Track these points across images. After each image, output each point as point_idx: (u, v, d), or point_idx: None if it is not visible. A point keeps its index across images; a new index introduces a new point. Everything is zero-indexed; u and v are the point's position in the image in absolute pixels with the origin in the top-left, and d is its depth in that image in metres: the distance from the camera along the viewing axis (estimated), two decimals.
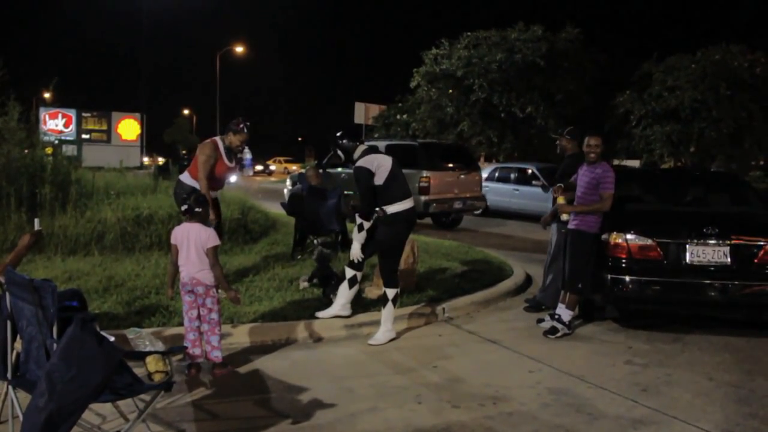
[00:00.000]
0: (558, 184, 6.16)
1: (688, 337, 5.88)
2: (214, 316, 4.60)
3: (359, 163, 5.45)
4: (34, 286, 2.75)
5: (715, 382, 4.76)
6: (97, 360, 2.65)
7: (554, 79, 23.80)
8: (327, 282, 6.55)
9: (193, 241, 4.55)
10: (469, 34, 25.05)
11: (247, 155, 6.64)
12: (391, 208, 5.44)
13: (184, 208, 4.63)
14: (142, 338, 3.68)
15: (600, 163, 5.87)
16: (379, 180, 5.43)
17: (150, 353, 3.17)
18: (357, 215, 5.63)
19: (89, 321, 2.73)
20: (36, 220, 4.19)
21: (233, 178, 24.39)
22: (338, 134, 5.72)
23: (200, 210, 4.63)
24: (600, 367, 5.06)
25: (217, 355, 4.60)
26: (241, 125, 6.30)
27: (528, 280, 8.23)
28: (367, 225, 5.60)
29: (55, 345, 2.70)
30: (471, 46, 24.58)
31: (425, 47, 25.85)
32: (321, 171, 11.50)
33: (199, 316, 4.62)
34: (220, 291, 4.71)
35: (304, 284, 6.75)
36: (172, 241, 4.68)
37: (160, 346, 3.60)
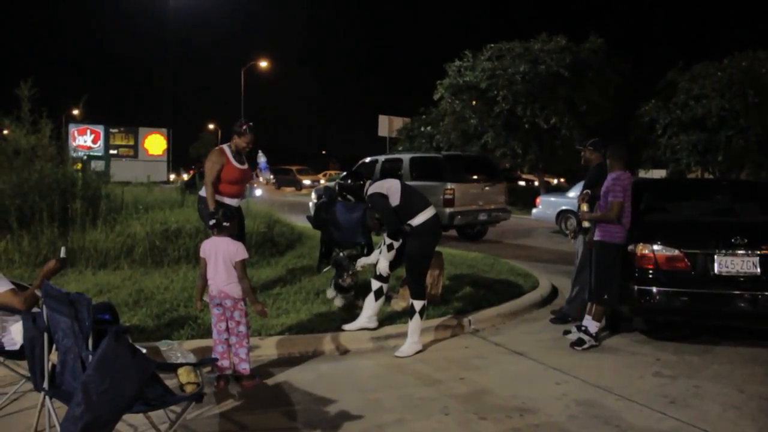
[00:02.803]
0: (585, 191, 6.13)
1: (716, 349, 5.82)
2: (242, 328, 4.65)
3: (370, 191, 5.62)
4: (70, 300, 2.83)
5: (746, 394, 4.70)
6: (131, 371, 2.72)
7: (578, 90, 23.67)
8: (340, 288, 6.62)
9: (221, 254, 4.61)
10: (492, 45, 25.04)
11: (261, 158, 6.59)
12: (416, 221, 5.48)
13: (212, 223, 4.69)
14: (174, 350, 3.75)
15: (616, 171, 5.86)
16: (394, 200, 5.53)
17: (182, 365, 3.23)
18: (384, 235, 5.72)
19: (123, 333, 2.80)
20: (62, 249, 4.27)
21: (258, 192, 24.23)
22: (344, 176, 5.93)
23: (228, 224, 4.69)
24: (628, 378, 5.02)
25: (245, 368, 4.64)
26: (245, 126, 6.30)
27: (554, 292, 8.19)
28: (397, 244, 5.69)
29: (90, 357, 2.77)
30: (494, 58, 24.57)
31: (449, 59, 25.89)
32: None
33: (227, 329, 4.67)
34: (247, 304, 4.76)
35: (331, 293, 6.77)
36: (201, 254, 4.74)
37: (191, 358, 3.67)
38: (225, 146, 6.40)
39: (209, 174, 6.21)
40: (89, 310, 2.77)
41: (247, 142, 6.33)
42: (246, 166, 6.47)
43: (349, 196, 5.88)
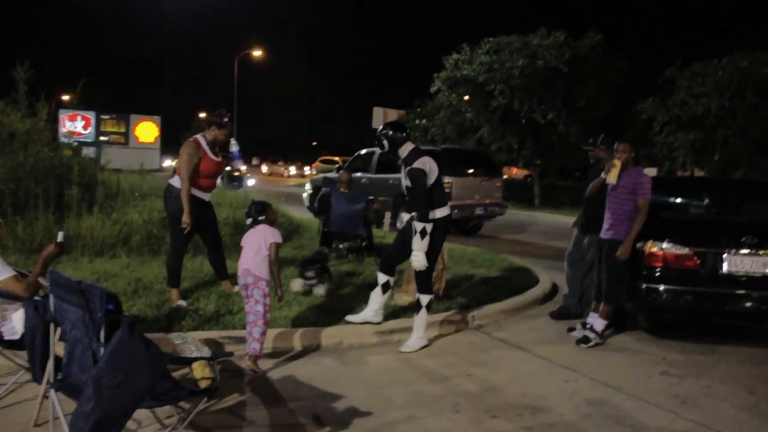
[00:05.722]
0: (612, 161, 5.89)
1: (722, 348, 5.77)
2: (260, 308, 4.70)
3: (416, 165, 5.29)
4: (81, 289, 2.72)
5: (757, 396, 4.65)
6: (145, 365, 2.61)
7: (576, 86, 23.63)
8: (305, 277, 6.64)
9: (256, 237, 4.83)
10: (490, 39, 24.94)
11: (234, 147, 6.36)
12: (436, 213, 5.37)
13: (248, 221, 4.93)
14: (189, 344, 3.64)
15: (635, 168, 5.78)
16: (428, 183, 5.34)
17: (196, 359, 3.13)
18: (415, 222, 5.32)
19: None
20: (60, 233, 4.12)
21: (251, 182, 24.27)
22: (390, 124, 5.62)
23: (263, 217, 4.89)
24: (636, 377, 4.96)
25: (255, 348, 4.65)
26: (226, 119, 6.06)
27: (554, 288, 8.13)
28: (429, 229, 5.32)
29: (102, 349, 2.66)
30: (492, 52, 24.48)
31: (446, 52, 25.77)
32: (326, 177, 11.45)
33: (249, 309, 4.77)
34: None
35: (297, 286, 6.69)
36: (242, 243, 4.97)
37: (206, 352, 3.57)
38: (200, 137, 6.09)
39: (186, 167, 5.87)
40: (102, 300, 2.66)
41: (226, 134, 6.10)
42: (221, 159, 6.23)
43: (385, 142, 5.49)
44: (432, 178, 5.36)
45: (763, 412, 4.34)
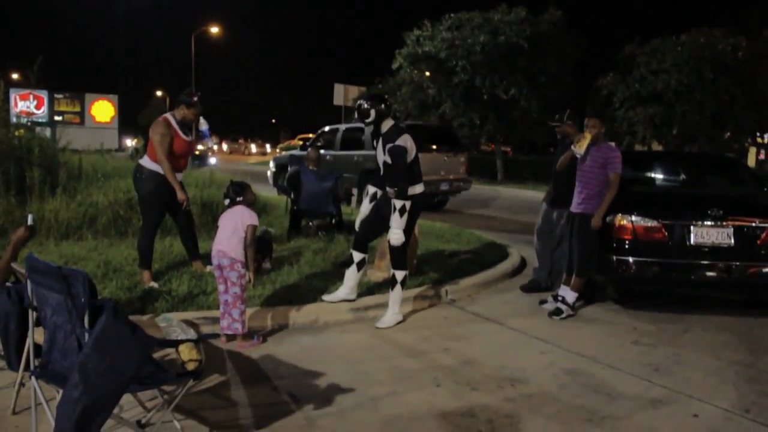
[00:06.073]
0: (582, 133, 5.96)
1: (689, 317, 5.93)
2: (237, 290, 4.75)
3: (399, 143, 5.26)
4: (63, 275, 2.65)
5: (723, 361, 4.80)
6: (132, 349, 2.58)
7: (537, 62, 23.77)
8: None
9: (233, 218, 4.83)
10: (452, 15, 24.87)
11: (203, 126, 6.21)
12: (412, 190, 5.37)
13: (226, 202, 4.91)
14: (174, 326, 3.60)
15: (606, 143, 5.86)
16: (408, 160, 5.33)
17: (183, 341, 3.09)
18: (395, 200, 5.32)
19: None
20: (29, 216, 4.00)
21: (213, 160, 23.98)
22: (376, 97, 5.55)
23: (241, 198, 4.88)
24: (609, 347, 5.08)
25: (236, 328, 4.76)
26: (195, 98, 5.96)
27: (523, 262, 8.24)
28: (408, 206, 5.34)
29: (86, 335, 2.61)
30: (454, 28, 24.41)
31: (407, 28, 25.64)
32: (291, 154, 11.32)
33: (226, 290, 4.79)
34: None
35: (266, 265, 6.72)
36: (219, 223, 4.97)
37: (192, 334, 3.53)
38: (169, 116, 5.99)
39: (161, 148, 5.77)
40: (85, 285, 2.60)
41: (195, 113, 5.99)
42: (191, 138, 6.15)
43: (373, 113, 5.37)
44: (411, 155, 5.36)
45: (731, 377, 4.48)
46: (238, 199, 4.88)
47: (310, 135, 48.80)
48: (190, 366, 3.06)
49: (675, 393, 4.16)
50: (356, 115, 5.58)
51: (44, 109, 43.11)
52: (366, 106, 5.42)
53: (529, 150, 29.23)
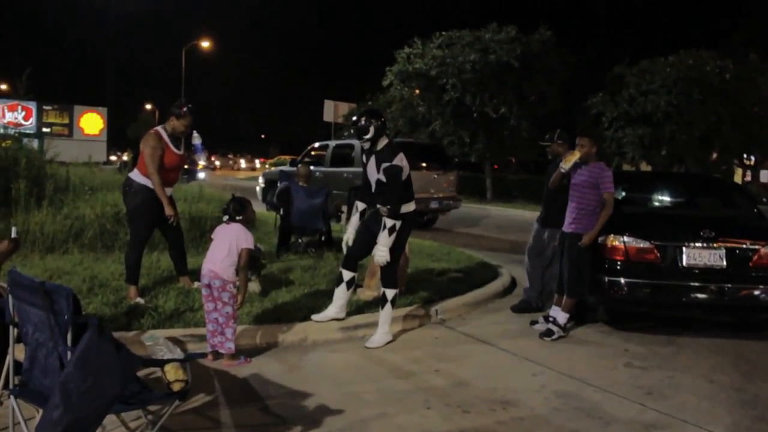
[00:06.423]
0: (572, 150, 5.97)
1: (680, 340, 5.90)
2: (229, 309, 4.68)
3: (396, 162, 5.22)
4: (45, 290, 2.57)
5: (717, 385, 4.76)
6: (115, 369, 2.49)
7: (527, 80, 23.90)
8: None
9: (228, 237, 4.70)
10: (442, 33, 25.01)
11: (196, 140, 6.16)
12: (404, 209, 5.32)
13: (225, 218, 4.78)
14: (160, 345, 3.50)
15: (597, 162, 5.84)
16: (402, 179, 5.29)
17: (168, 361, 3.00)
18: (386, 218, 5.28)
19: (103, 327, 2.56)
20: (13, 228, 3.90)
21: (201, 175, 23.96)
22: (373, 112, 5.52)
23: (241, 218, 4.76)
24: (601, 369, 5.02)
25: (229, 347, 4.69)
26: (185, 108, 5.86)
27: (513, 282, 8.19)
28: (399, 226, 5.31)
29: (69, 353, 2.52)
30: (444, 46, 24.54)
31: (398, 46, 25.73)
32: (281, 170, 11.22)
33: (215, 309, 4.69)
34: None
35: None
36: (213, 236, 4.88)
37: (178, 353, 3.44)
38: (160, 129, 5.91)
39: (152, 161, 5.69)
40: (69, 302, 2.51)
41: (185, 125, 5.90)
42: (183, 151, 6.06)
43: (372, 128, 5.28)
44: (405, 175, 5.32)
45: (725, 401, 4.44)
46: (237, 217, 4.76)
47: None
48: (176, 386, 2.97)
49: (669, 417, 4.10)
50: (353, 131, 5.53)
51: (32, 120, 42.86)
52: (364, 122, 5.34)
53: (517, 169, 29.29)
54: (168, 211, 5.77)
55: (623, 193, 6.66)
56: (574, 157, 5.79)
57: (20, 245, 4.30)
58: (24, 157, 8.48)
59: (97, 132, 44.92)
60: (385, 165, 5.24)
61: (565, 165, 5.84)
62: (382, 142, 5.39)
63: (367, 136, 5.33)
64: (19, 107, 42.06)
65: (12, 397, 2.91)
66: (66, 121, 44.84)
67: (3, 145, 9.43)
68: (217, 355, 4.76)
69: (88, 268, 6.73)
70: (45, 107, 43.81)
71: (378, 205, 5.38)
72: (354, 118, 5.54)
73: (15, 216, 7.64)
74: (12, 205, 7.89)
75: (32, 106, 42.77)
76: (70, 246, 7.52)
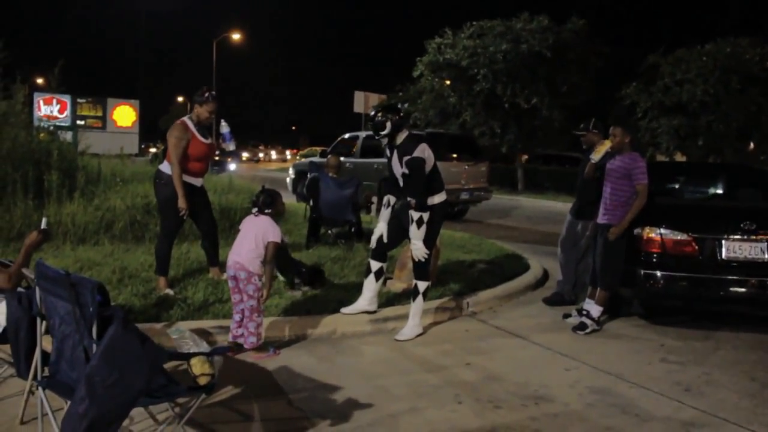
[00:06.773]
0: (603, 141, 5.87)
1: (718, 335, 5.73)
2: (254, 302, 4.63)
3: (416, 154, 5.13)
4: (71, 282, 2.54)
5: (758, 382, 4.60)
6: (141, 362, 2.45)
7: (559, 70, 23.52)
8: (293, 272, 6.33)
9: (255, 229, 4.66)
10: (473, 23, 24.71)
11: (225, 129, 6.14)
12: (434, 200, 5.24)
13: (254, 210, 4.74)
14: (186, 338, 3.47)
15: (630, 153, 5.68)
16: (426, 170, 5.20)
17: (194, 354, 2.97)
18: (412, 211, 5.21)
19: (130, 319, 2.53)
20: (44, 219, 3.91)
21: (232, 166, 24.10)
22: (392, 108, 5.43)
23: (270, 210, 4.71)
24: (636, 365, 4.89)
25: (252, 342, 4.65)
26: (207, 94, 5.80)
27: (545, 274, 8.06)
28: (426, 218, 5.21)
29: (94, 346, 2.49)
30: (475, 36, 24.23)
31: (428, 36, 25.51)
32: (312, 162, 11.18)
33: (242, 301, 4.68)
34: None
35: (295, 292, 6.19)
36: (240, 227, 4.84)
37: (204, 347, 3.40)
38: (187, 119, 5.88)
39: (175, 151, 5.66)
40: (94, 294, 2.48)
41: (209, 111, 5.83)
42: (211, 140, 6.02)
43: (389, 124, 5.22)
44: (429, 165, 5.22)
45: (766, 399, 4.28)
46: (266, 210, 4.71)
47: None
48: (202, 380, 2.93)
49: (708, 416, 3.96)
50: (371, 128, 5.45)
51: (67, 113, 43.47)
52: (381, 118, 5.27)
53: (549, 160, 28.83)
54: (181, 203, 5.68)
55: (659, 185, 6.47)
56: (605, 147, 5.68)
57: (50, 236, 4.31)
58: (56, 149, 8.57)
59: (129, 124, 45.38)
60: (406, 158, 5.16)
61: (596, 156, 5.75)
62: (402, 136, 5.31)
63: (384, 132, 5.27)
64: (54, 100, 42.67)
65: (40, 388, 2.91)
66: (99, 113, 45.35)
67: (39, 137, 9.54)
68: (238, 346, 4.73)
69: (118, 259, 6.78)
70: (79, 100, 44.36)
71: (407, 198, 5.30)
72: (371, 115, 5.46)
73: (47, 207, 7.72)
74: (45, 197, 7.97)
75: (67, 99, 43.36)
76: (101, 237, 7.58)
